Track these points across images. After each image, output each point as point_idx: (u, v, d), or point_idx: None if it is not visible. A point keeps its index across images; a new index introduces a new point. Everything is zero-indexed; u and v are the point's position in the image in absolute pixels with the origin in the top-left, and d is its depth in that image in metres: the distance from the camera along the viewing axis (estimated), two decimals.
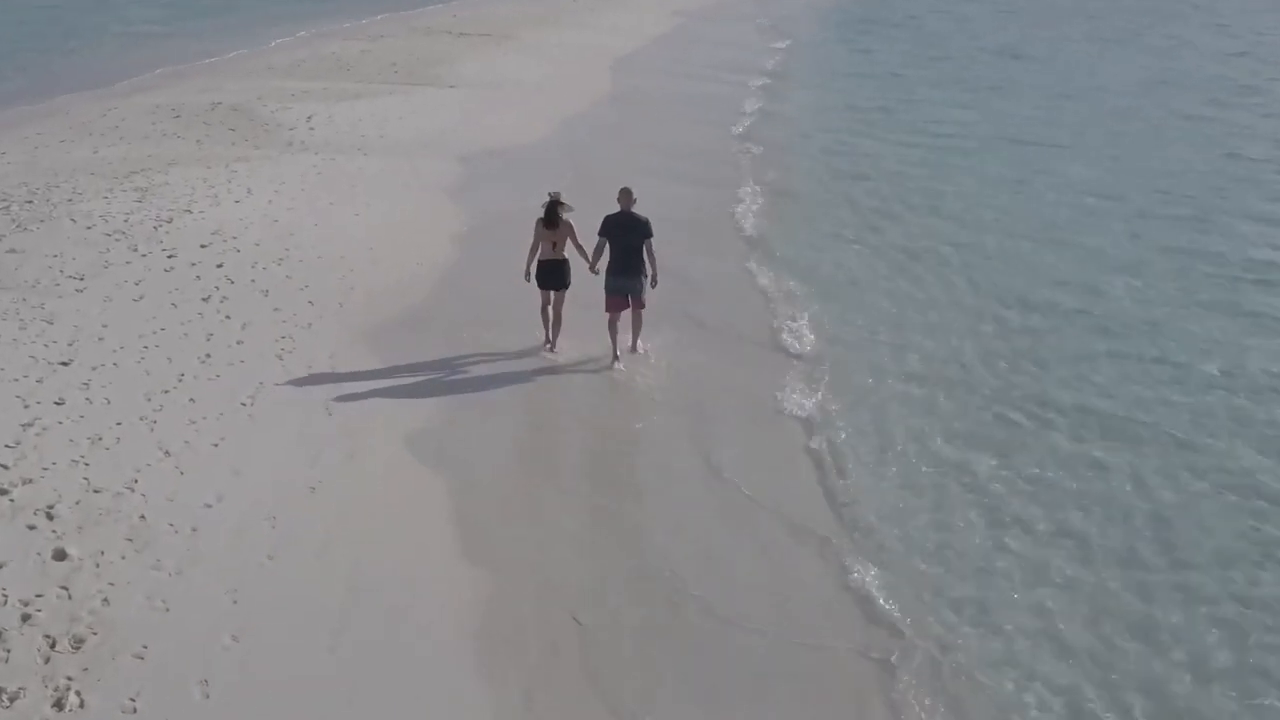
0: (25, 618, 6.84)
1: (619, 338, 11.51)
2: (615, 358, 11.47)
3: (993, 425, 10.44)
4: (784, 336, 12.31)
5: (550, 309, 11.66)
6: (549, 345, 11.68)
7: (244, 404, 9.95)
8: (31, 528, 7.76)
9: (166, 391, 10.04)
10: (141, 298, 12.16)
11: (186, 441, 9.19)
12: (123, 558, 7.56)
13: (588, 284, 11.60)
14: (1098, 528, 8.77)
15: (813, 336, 12.29)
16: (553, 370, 11.37)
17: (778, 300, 13.46)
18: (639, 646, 7.29)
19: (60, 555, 7.47)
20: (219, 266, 13.25)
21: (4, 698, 6.19)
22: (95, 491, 8.30)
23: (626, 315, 11.54)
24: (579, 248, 11.49)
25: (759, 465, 9.63)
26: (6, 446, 8.78)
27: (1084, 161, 21.15)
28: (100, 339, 11.01)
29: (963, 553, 8.42)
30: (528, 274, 11.54)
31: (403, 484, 9.04)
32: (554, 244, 11.41)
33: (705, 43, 37.40)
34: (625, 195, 11.43)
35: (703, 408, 10.67)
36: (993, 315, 13.19)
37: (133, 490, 8.38)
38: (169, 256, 13.49)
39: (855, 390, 11.07)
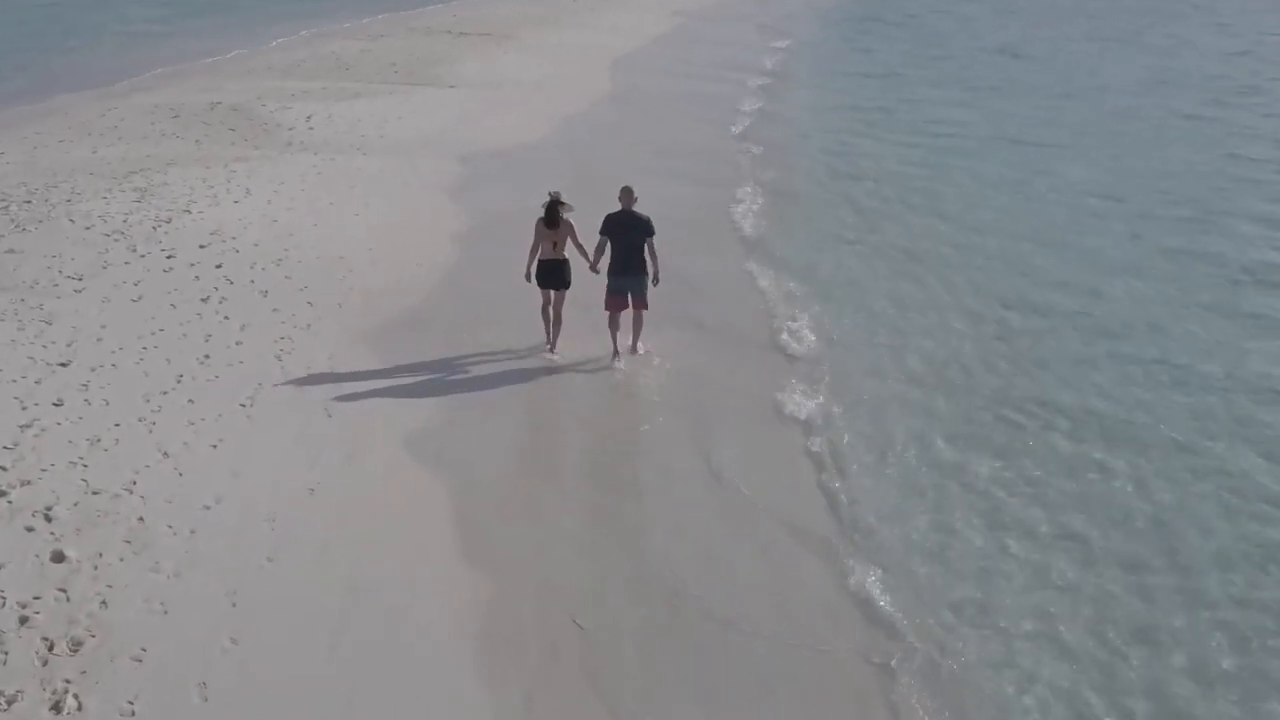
0: (23, 620, 6.82)
1: (619, 337, 11.50)
2: (615, 354, 11.46)
3: (993, 427, 10.42)
4: (784, 337, 12.29)
5: (550, 309, 11.65)
6: (549, 346, 11.66)
7: (243, 405, 9.94)
8: (30, 529, 7.74)
9: (165, 393, 10.02)
10: (140, 298, 12.14)
11: (185, 443, 9.17)
12: (121, 560, 7.54)
13: (588, 284, 11.59)
14: (1098, 530, 8.74)
15: (813, 337, 12.27)
16: (553, 371, 11.36)
17: (778, 301, 13.44)
18: (639, 648, 7.27)
19: (58, 557, 7.45)
20: (218, 267, 13.24)
21: (2, 700, 6.17)
22: (94, 493, 8.28)
23: (627, 314, 11.54)
24: (579, 247, 11.47)
25: (759, 466, 9.61)
26: (5, 448, 8.77)
27: (1084, 162, 21.12)
28: (99, 340, 10.99)
29: (963, 554, 8.40)
30: (528, 274, 11.53)
31: (402, 485, 9.03)
32: (554, 244, 11.40)
33: (705, 42, 37.37)
34: (626, 194, 11.42)
35: (703, 409, 10.65)
36: (993, 316, 13.17)
37: (131, 492, 8.36)
38: (168, 257, 13.47)
39: (855, 391, 11.05)
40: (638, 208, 11.40)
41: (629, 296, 11.48)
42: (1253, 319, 13.13)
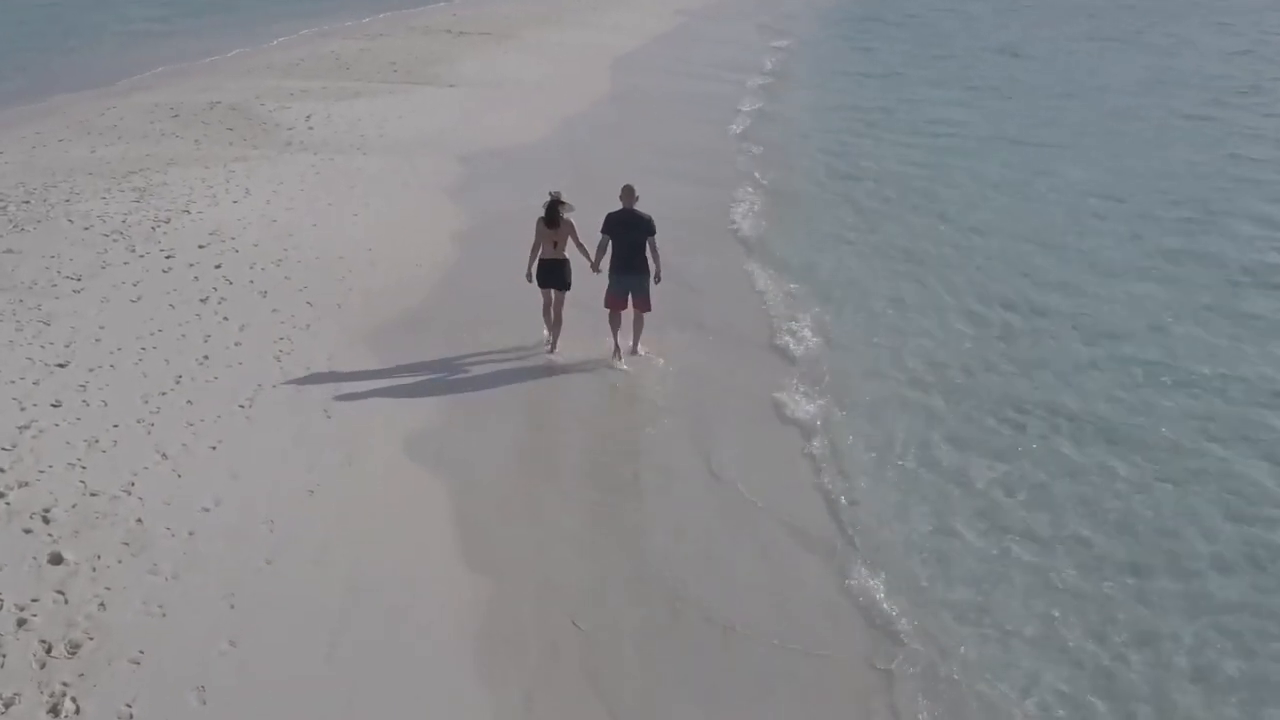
0: (21, 622, 6.79)
1: (619, 336, 11.49)
2: (615, 352, 11.46)
3: (993, 428, 10.40)
4: (784, 338, 12.27)
5: (551, 309, 11.63)
6: (550, 347, 11.63)
7: (242, 406, 9.91)
8: (28, 531, 7.71)
9: (164, 394, 9.99)
10: (139, 299, 12.12)
11: (184, 444, 9.15)
12: (119, 562, 7.52)
13: (588, 284, 11.57)
14: (1099, 532, 8.72)
15: (812, 338, 12.25)
16: (553, 371, 11.34)
17: (777, 301, 13.42)
18: (639, 648, 7.26)
19: (56, 559, 7.43)
20: (217, 267, 13.21)
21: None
22: (92, 495, 8.26)
23: (628, 314, 11.54)
24: (580, 247, 11.46)
25: (759, 468, 9.59)
26: (3, 449, 8.75)
27: (1085, 162, 21.08)
28: (97, 340, 10.97)
29: (963, 556, 8.38)
30: (529, 274, 11.51)
31: (402, 486, 9.01)
32: (555, 243, 11.38)
33: (707, 41, 37.35)
34: (627, 193, 11.41)
35: (703, 409, 10.63)
36: (993, 317, 13.14)
37: (130, 494, 8.34)
38: (167, 257, 13.44)
39: (856, 392, 11.03)
40: (638, 207, 11.39)
41: (630, 296, 11.46)
42: (1256, 321, 13.07)
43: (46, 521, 7.84)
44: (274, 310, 12.10)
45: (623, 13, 41.97)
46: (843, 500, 9.07)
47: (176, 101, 23.13)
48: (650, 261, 11.41)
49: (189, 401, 9.89)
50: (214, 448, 9.16)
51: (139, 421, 9.45)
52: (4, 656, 6.51)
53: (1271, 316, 13.23)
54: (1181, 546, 8.57)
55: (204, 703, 6.38)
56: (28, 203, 15.34)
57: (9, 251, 13.31)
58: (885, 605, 7.72)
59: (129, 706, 6.27)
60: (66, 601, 7.05)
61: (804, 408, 10.60)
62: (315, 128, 21.03)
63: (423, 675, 6.82)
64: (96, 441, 9.04)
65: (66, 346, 10.77)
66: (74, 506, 8.07)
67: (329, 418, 9.90)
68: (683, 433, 10.18)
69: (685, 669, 7.10)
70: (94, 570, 7.39)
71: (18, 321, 11.29)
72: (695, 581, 7.95)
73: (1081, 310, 13.38)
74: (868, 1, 52.09)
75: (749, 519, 8.82)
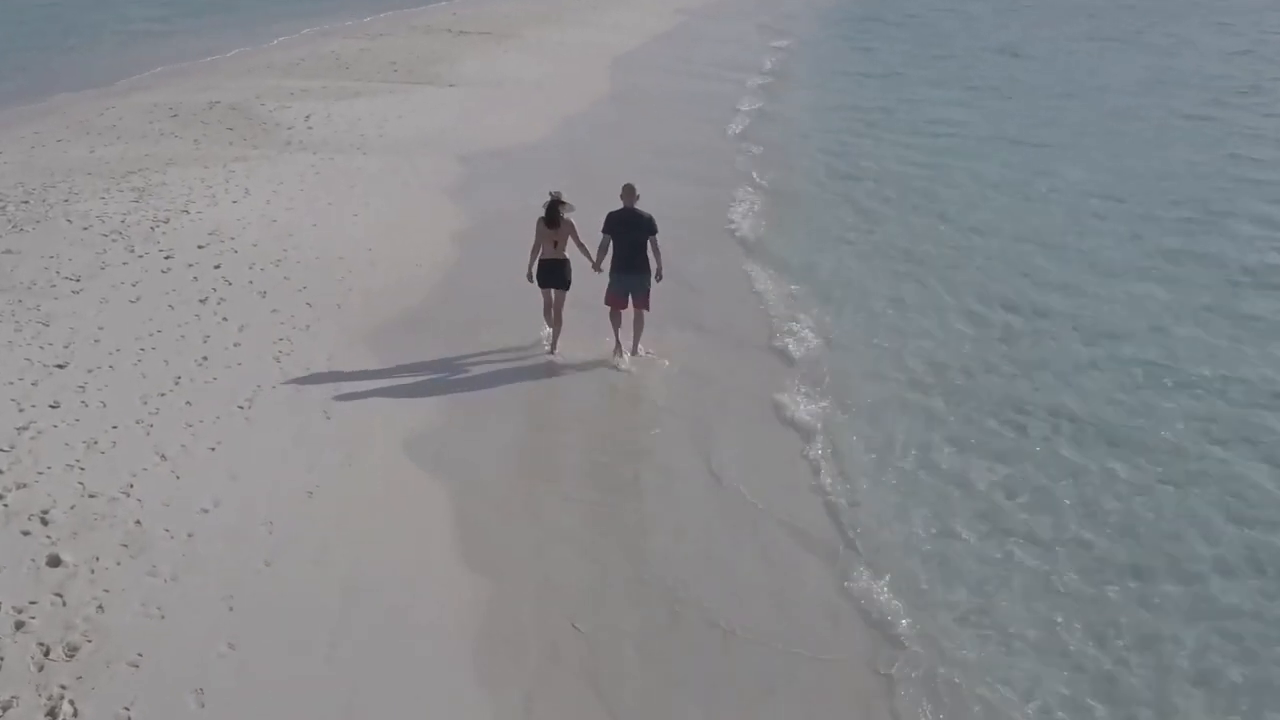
0: (19, 625, 6.77)
1: (620, 333, 11.49)
2: (617, 349, 11.45)
3: (994, 429, 10.37)
4: (784, 339, 12.24)
5: (551, 309, 11.61)
6: (550, 347, 11.61)
7: (241, 407, 9.89)
8: (26, 533, 7.69)
9: (163, 394, 9.97)
10: (138, 299, 12.09)
11: (183, 445, 9.13)
12: (118, 564, 7.49)
13: (588, 284, 11.55)
14: (1100, 534, 8.69)
15: (813, 339, 12.22)
16: (553, 372, 11.33)
17: (777, 302, 13.40)
18: (639, 649, 7.25)
19: (54, 561, 7.41)
20: (216, 267, 13.19)
21: None
22: (90, 496, 8.23)
23: (628, 313, 11.54)
24: (581, 246, 11.44)
25: (759, 468, 9.58)
26: (1, 450, 8.72)
27: (1085, 162, 21.06)
28: (96, 341, 10.94)
29: (964, 559, 8.35)
30: (530, 274, 11.49)
31: (401, 487, 8.98)
32: (555, 243, 11.36)
33: (707, 40, 37.34)
34: (628, 192, 11.40)
35: (703, 410, 10.62)
36: (993, 317, 13.12)
37: (128, 495, 8.31)
38: (166, 257, 13.42)
39: (856, 393, 11.01)
40: (639, 206, 11.37)
41: (631, 296, 11.45)
42: (1258, 323, 13.04)
43: (45, 523, 7.82)
44: (273, 310, 12.08)
45: (623, 12, 41.97)
46: (843, 502, 9.05)
47: (176, 101, 23.11)
48: (652, 260, 11.40)
49: (188, 402, 9.87)
50: (213, 449, 9.14)
51: (138, 423, 9.43)
52: (1, 659, 6.48)
53: (1272, 317, 13.20)
54: (1183, 549, 8.55)
55: (203, 705, 6.36)
56: (26, 203, 15.31)
57: (8, 252, 13.29)
58: (886, 607, 7.70)
59: (127, 709, 6.25)
60: (65, 604, 7.03)
61: (804, 409, 10.58)
62: (315, 127, 21.01)
63: (422, 676, 6.80)
64: (95, 443, 9.02)
65: (65, 347, 10.75)
66: (72, 508, 8.05)
67: (328, 418, 9.88)
68: (683, 433, 10.16)
69: (685, 670, 7.08)
70: (92, 572, 7.36)
71: (16, 322, 11.26)
72: (695, 583, 7.93)
73: (1082, 311, 13.36)
74: (868, 1, 52.07)
75: (749, 520, 8.81)
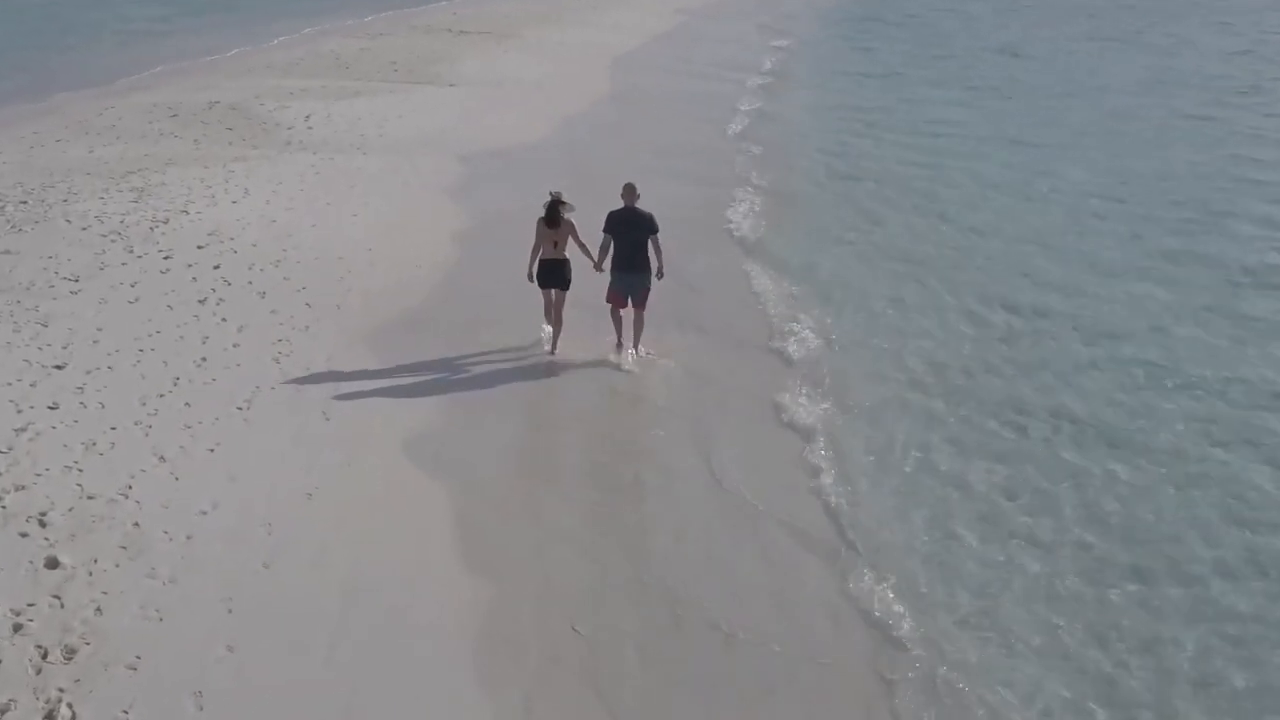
0: (16, 627, 6.75)
1: (621, 332, 11.48)
2: (619, 345, 11.46)
3: (994, 430, 10.36)
4: (784, 340, 12.23)
5: (551, 309, 11.60)
6: (550, 347, 11.60)
7: (240, 408, 9.87)
8: (24, 535, 7.68)
9: (162, 395, 9.95)
10: (137, 300, 12.07)
11: (182, 447, 9.11)
12: (116, 566, 7.47)
13: (588, 284, 11.54)
14: (1101, 537, 8.67)
15: (813, 340, 12.20)
16: (553, 372, 11.31)
17: (778, 303, 13.38)
18: (639, 650, 7.23)
19: (53, 563, 7.39)
20: (216, 268, 13.17)
21: None
22: (89, 498, 8.22)
23: (628, 312, 11.53)
24: (581, 246, 11.43)
25: (760, 469, 9.56)
26: None
27: (1085, 162, 21.04)
28: (95, 342, 10.92)
29: (965, 562, 8.33)
30: (530, 274, 11.48)
31: (401, 488, 8.97)
32: (555, 243, 11.35)
33: (707, 40, 37.34)
34: (629, 191, 11.40)
35: (703, 410, 10.60)
36: (994, 318, 13.10)
37: (127, 497, 8.29)
38: (165, 258, 13.40)
39: (856, 394, 10.99)
40: (639, 205, 11.36)
41: (630, 298, 11.44)
42: (1255, 321, 13.03)
43: (43, 525, 7.80)
44: (273, 311, 12.06)
45: (623, 12, 41.96)
46: (844, 503, 9.03)
47: (175, 101, 23.08)
48: (653, 259, 11.39)
49: (187, 403, 9.85)
50: (212, 450, 9.12)
51: (136, 424, 9.41)
52: (0, 662, 6.47)
53: (1272, 318, 13.17)
54: (1184, 551, 8.53)
55: (201, 708, 6.34)
56: (25, 203, 15.29)
57: (6, 252, 13.27)
58: (886, 609, 7.68)
59: (126, 712, 6.23)
60: (63, 606, 7.01)
61: (805, 410, 10.56)
62: (315, 127, 20.99)
63: (422, 677, 6.79)
64: (94, 444, 9.00)
65: (64, 348, 10.73)
66: (71, 510, 8.03)
67: (328, 419, 9.86)
68: (683, 434, 10.15)
69: (685, 672, 7.06)
70: (91, 574, 7.34)
71: (15, 322, 11.24)
72: (695, 583, 7.92)
73: (1082, 311, 13.34)
74: (868, 1, 52.06)
75: (750, 521, 8.79)
